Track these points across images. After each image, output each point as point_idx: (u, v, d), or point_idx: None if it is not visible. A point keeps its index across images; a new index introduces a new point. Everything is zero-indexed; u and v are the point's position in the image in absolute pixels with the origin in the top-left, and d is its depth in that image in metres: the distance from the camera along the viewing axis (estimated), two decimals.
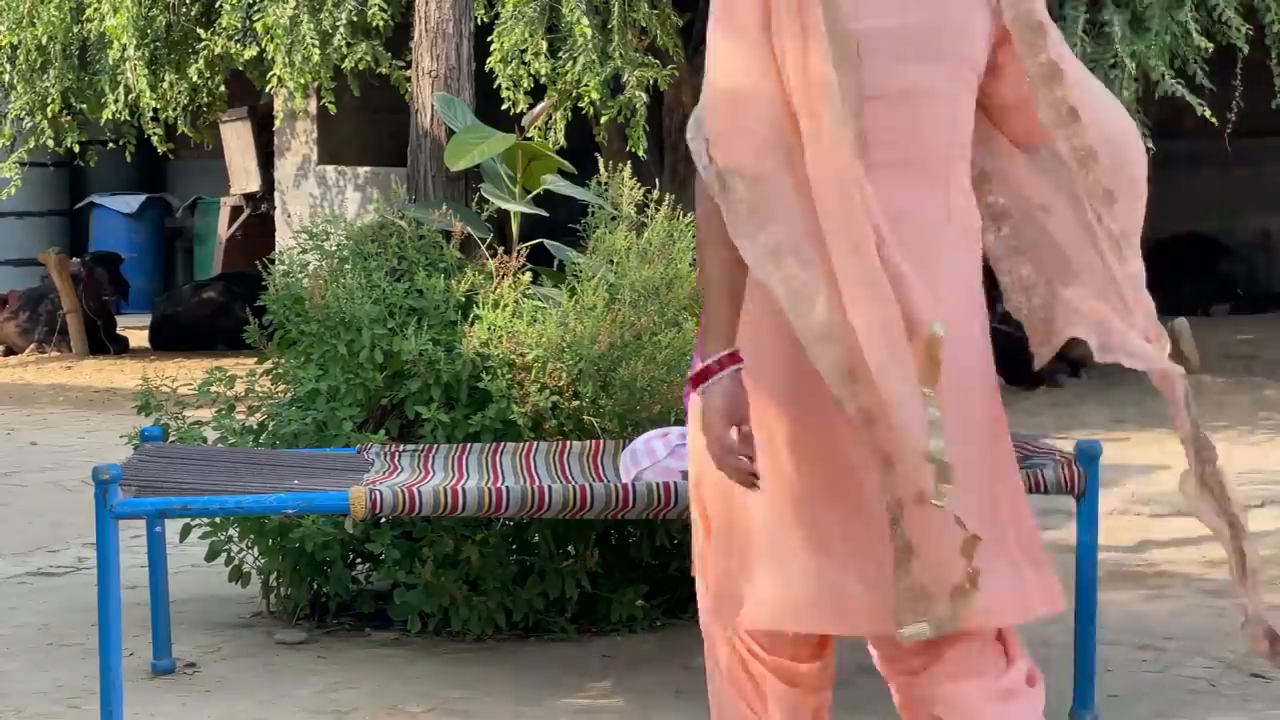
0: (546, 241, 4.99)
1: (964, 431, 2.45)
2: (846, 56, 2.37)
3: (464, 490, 3.49)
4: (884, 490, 2.37)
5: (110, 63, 10.09)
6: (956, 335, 2.49)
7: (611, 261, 4.58)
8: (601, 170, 4.93)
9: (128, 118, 10.41)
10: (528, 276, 4.60)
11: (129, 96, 10.08)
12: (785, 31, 2.40)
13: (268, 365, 4.61)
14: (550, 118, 8.49)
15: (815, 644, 2.59)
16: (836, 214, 2.37)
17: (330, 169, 10.92)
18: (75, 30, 10.27)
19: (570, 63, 8.48)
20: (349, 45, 9.19)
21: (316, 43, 9.06)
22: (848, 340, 2.35)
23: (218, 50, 9.78)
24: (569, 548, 4.34)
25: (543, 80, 8.59)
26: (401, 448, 4.13)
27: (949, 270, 2.55)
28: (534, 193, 5.11)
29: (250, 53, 9.72)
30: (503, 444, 4.14)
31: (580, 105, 8.67)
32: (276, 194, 11.21)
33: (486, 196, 5.08)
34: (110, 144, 11.50)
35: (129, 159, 11.62)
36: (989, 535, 2.45)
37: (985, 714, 2.50)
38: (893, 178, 2.44)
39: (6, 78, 10.60)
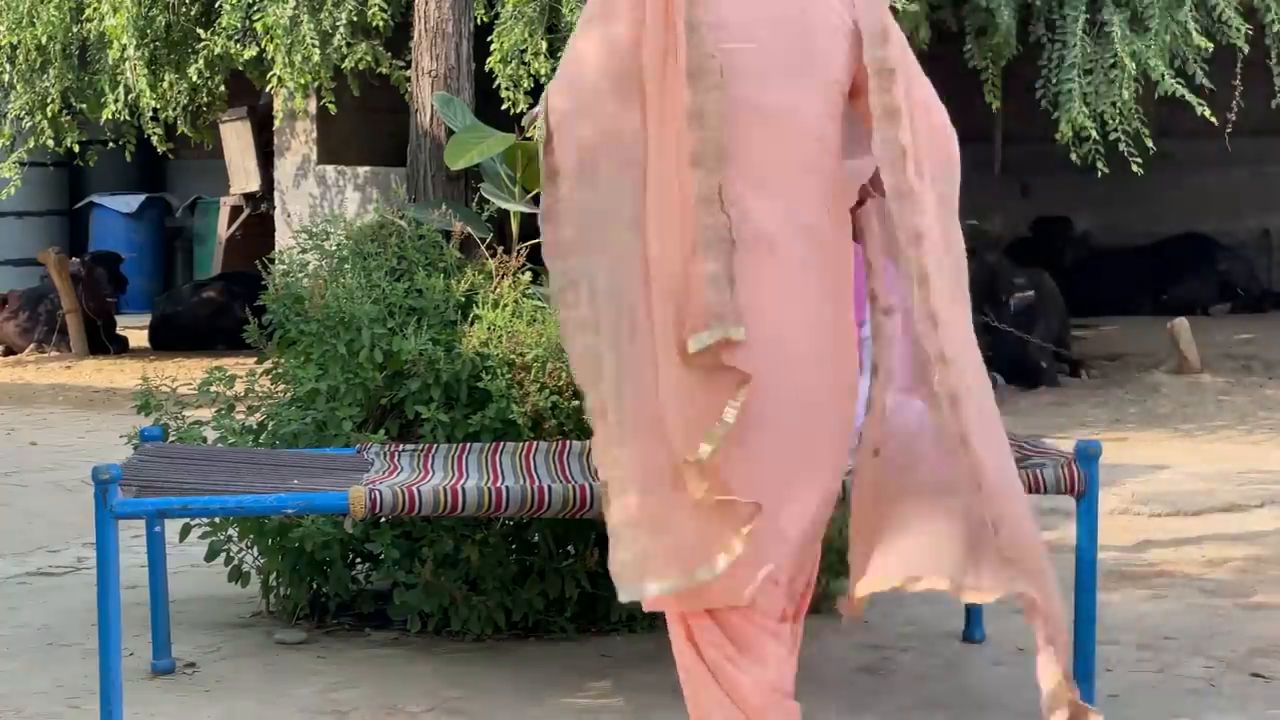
0: None
1: (800, 415, 2.72)
2: (708, 77, 2.57)
3: (464, 490, 3.49)
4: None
5: (110, 62, 10.09)
6: (811, 327, 2.73)
7: None
8: None
9: (127, 117, 10.41)
10: (528, 276, 4.60)
11: (129, 96, 10.08)
12: (650, 49, 2.62)
13: (267, 365, 4.61)
14: None
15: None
16: (661, 221, 2.62)
17: (330, 169, 10.91)
18: (75, 30, 10.27)
19: None
20: (349, 45, 9.20)
21: (316, 43, 9.06)
22: (599, 335, 2.64)
23: (217, 50, 9.78)
24: (569, 547, 4.34)
25: (542, 80, 8.59)
26: (401, 447, 4.13)
27: (812, 269, 2.73)
28: (534, 192, 5.11)
29: (250, 53, 9.72)
30: (502, 444, 4.14)
31: None
32: (276, 194, 11.21)
33: (486, 196, 5.08)
34: (110, 144, 11.50)
35: (129, 159, 11.63)
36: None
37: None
38: (759, 185, 2.66)
39: (6, 77, 10.60)
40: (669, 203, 2.63)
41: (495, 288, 4.51)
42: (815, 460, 2.78)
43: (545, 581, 4.28)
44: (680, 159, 2.59)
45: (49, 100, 10.53)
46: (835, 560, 4.49)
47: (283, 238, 10.57)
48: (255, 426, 4.48)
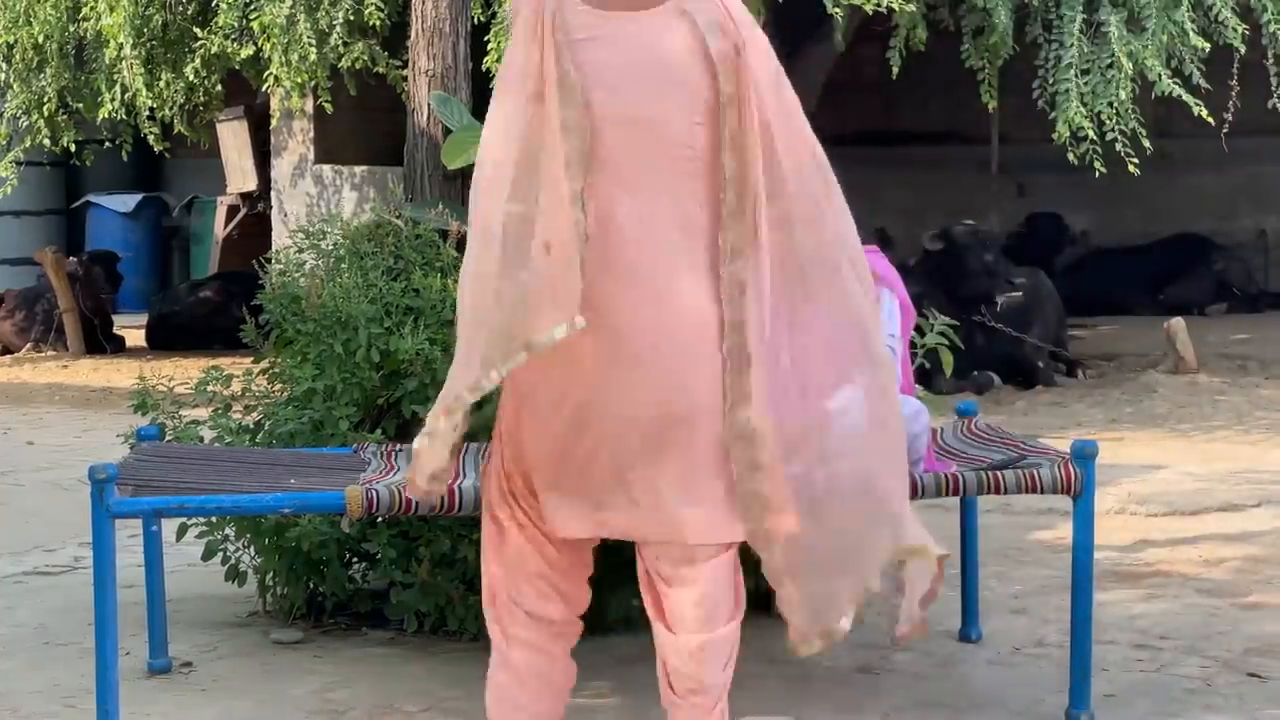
0: None
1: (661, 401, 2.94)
2: (571, 94, 2.91)
3: (460, 489, 3.49)
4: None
5: (107, 62, 10.08)
6: (685, 312, 2.95)
7: None
8: None
9: (124, 117, 10.40)
10: None
11: (125, 95, 10.07)
12: (533, 69, 2.95)
13: (264, 364, 4.61)
14: None
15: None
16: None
17: (327, 168, 10.91)
18: (72, 29, 10.27)
19: None
20: (345, 44, 9.20)
21: (313, 42, 9.06)
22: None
23: (214, 49, 9.77)
24: None
25: None
26: (398, 447, 4.13)
27: (683, 258, 2.95)
28: None
29: (247, 52, 9.71)
30: None
31: None
32: (273, 193, 11.20)
33: None
34: (107, 143, 11.50)
35: (125, 158, 11.62)
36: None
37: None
38: (627, 186, 2.93)
39: (3, 77, 10.60)
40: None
41: None
42: (681, 442, 2.97)
43: None
44: (555, 165, 2.91)
45: (45, 99, 10.52)
46: None
47: (280, 237, 10.57)
48: (252, 426, 4.47)
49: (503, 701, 3.27)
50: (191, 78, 10.01)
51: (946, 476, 3.63)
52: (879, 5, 8.07)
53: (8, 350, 12.06)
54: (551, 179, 2.92)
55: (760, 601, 4.50)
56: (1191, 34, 7.98)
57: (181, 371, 8.96)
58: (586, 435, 3.00)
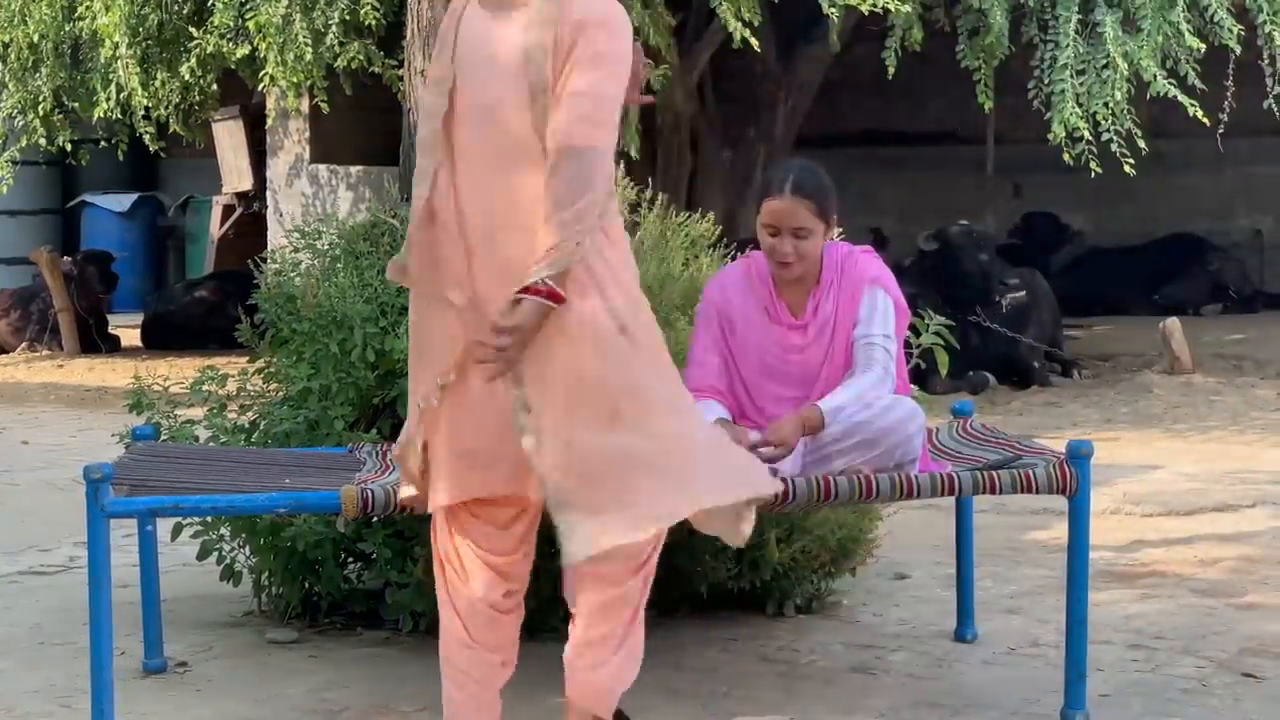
0: None
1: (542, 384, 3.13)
2: (443, 84, 3.22)
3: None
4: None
5: (102, 61, 10.07)
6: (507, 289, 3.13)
7: None
8: None
9: (120, 116, 10.40)
10: None
11: (121, 95, 10.07)
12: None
13: (260, 364, 4.61)
14: None
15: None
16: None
17: (323, 168, 10.91)
18: (67, 28, 10.26)
19: None
20: (341, 44, 9.19)
21: (309, 41, 9.05)
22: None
23: (210, 49, 9.77)
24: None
25: None
26: (393, 447, 4.12)
27: (511, 239, 3.18)
28: None
29: (242, 51, 9.71)
30: None
31: None
32: (269, 193, 11.20)
33: None
34: (102, 142, 11.49)
35: (121, 158, 11.62)
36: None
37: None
38: (476, 168, 3.22)
39: None
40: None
41: None
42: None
43: (538, 581, 4.27)
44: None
45: (41, 99, 10.52)
46: (829, 560, 4.50)
47: (275, 237, 10.57)
48: (247, 426, 4.47)
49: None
50: (187, 77, 10.00)
51: (942, 476, 3.63)
52: (875, 5, 8.07)
53: (3, 350, 12.06)
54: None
55: (757, 601, 4.52)
56: (1187, 34, 7.98)
57: (177, 371, 8.93)
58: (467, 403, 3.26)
